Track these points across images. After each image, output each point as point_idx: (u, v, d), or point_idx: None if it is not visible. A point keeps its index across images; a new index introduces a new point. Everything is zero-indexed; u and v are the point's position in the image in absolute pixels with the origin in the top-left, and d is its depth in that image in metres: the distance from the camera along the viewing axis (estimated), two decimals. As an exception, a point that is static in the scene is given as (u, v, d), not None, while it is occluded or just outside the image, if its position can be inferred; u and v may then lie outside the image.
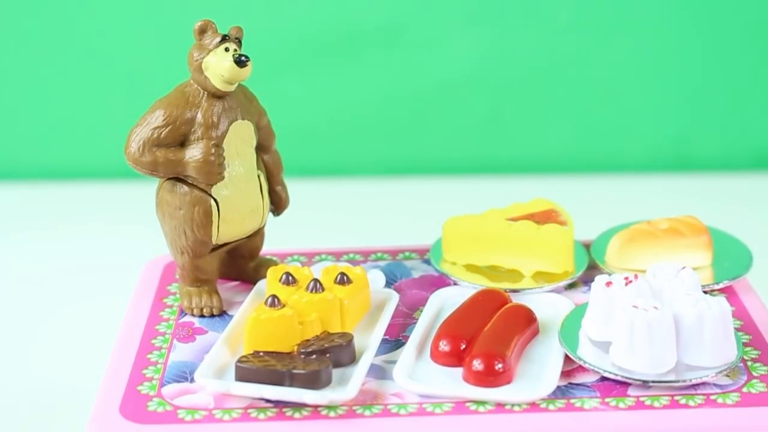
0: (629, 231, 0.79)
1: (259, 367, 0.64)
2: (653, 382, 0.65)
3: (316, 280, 0.70)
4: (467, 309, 0.71)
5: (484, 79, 1.31)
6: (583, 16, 1.28)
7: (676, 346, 0.66)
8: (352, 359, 0.67)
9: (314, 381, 0.64)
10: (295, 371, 0.64)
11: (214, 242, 0.73)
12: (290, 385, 0.64)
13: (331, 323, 0.69)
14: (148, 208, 0.74)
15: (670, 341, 0.65)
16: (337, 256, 0.83)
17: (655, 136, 1.33)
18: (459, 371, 0.67)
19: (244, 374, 0.65)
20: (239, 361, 0.65)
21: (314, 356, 0.66)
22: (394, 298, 0.74)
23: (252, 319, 0.67)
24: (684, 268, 0.70)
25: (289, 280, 0.71)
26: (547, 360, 0.68)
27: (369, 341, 0.69)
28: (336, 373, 0.66)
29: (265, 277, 0.74)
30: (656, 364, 0.65)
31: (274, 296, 0.68)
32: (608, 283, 0.68)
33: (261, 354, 0.66)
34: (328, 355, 0.66)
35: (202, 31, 0.71)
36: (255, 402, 0.65)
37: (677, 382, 0.65)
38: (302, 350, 0.66)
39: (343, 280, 0.71)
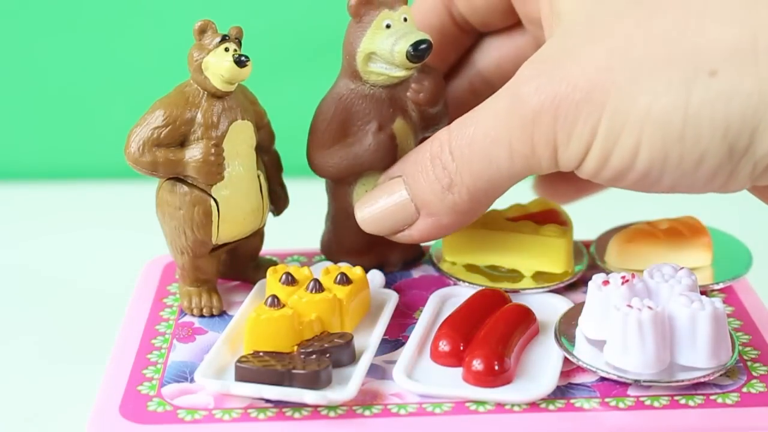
0: (629, 231, 0.79)
1: (258, 367, 0.64)
2: (645, 381, 0.65)
3: (316, 280, 0.70)
4: (467, 309, 0.71)
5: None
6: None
7: (670, 346, 0.66)
8: (352, 359, 0.68)
9: (314, 381, 0.64)
10: (294, 371, 0.64)
11: (213, 242, 0.73)
12: (290, 385, 0.64)
13: (331, 323, 0.69)
14: (148, 208, 0.74)
15: (662, 341, 0.65)
16: (337, 256, 0.82)
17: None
18: (459, 371, 0.67)
19: (244, 374, 0.65)
20: (239, 361, 0.65)
21: (314, 356, 0.66)
22: (393, 298, 0.74)
23: (252, 319, 0.67)
24: (682, 268, 0.70)
25: (289, 280, 0.71)
26: (547, 360, 0.68)
27: (369, 341, 0.69)
28: (336, 373, 0.66)
29: (264, 277, 0.74)
30: (649, 364, 0.65)
31: (273, 296, 0.68)
32: (605, 282, 0.68)
33: (261, 354, 0.66)
34: (327, 355, 0.66)
35: (202, 32, 0.71)
36: (255, 402, 0.65)
37: (669, 382, 0.65)
38: (302, 350, 0.66)
39: (342, 280, 0.71)
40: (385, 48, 0.71)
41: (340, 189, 0.75)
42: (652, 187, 0.64)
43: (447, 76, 0.82)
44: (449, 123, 0.74)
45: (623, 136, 0.62)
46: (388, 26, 0.71)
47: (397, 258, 0.78)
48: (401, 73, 0.72)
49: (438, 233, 0.72)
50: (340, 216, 0.76)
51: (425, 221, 0.71)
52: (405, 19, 0.72)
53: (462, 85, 0.83)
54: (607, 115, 0.62)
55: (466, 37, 0.82)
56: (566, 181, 0.78)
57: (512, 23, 0.80)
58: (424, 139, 0.72)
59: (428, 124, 0.75)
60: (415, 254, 0.80)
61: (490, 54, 0.82)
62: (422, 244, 0.81)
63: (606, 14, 0.64)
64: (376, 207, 0.72)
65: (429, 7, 0.80)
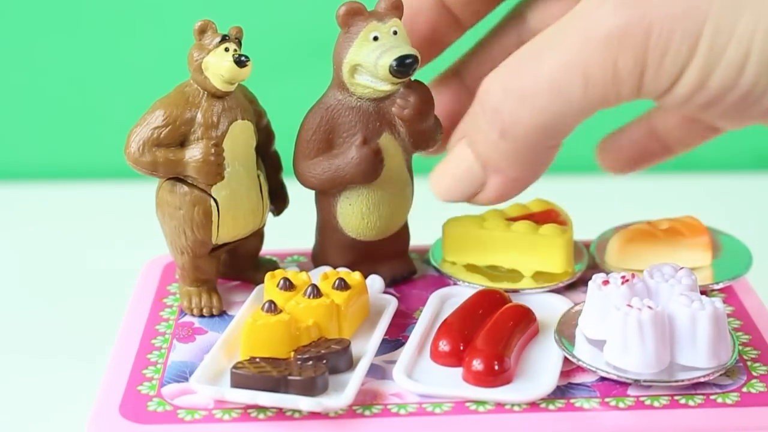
0: (629, 231, 0.79)
1: (254, 374, 0.64)
2: (645, 381, 0.65)
3: (313, 286, 0.69)
4: (467, 309, 0.71)
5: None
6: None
7: (670, 346, 0.66)
8: (349, 365, 0.67)
9: (310, 388, 0.64)
10: (290, 378, 0.64)
11: (213, 242, 0.73)
12: (286, 392, 0.64)
13: (329, 329, 0.69)
14: (148, 208, 0.74)
15: (662, 341, 0.65)
16: (337, 255, 0.82)
17: (655, 136, 1.32)
18: (459, 371, 0.67)
19: (240, 381, 0.64)
20: (234, 367, 0.65)
21: (310, 362, 0.65)
22: (392, 304, 0.73)
23: (248, 325, 0.67)
24: (682, 268, 0.70)
25: (287, 285, 0.71)
26: (547, 360, 0.68)
27: (367, 347, 0.69)
28: (332, 379, 0.66)
29: (263, 281, 0.73)
30: (649, 363, 0.65)
31: (270, 302, 0.68)
32: (605, 282, 0.68)
33: (257, 360, 0.65)
34: (324, 361, 0.66)
35: (202, 31, 0.71)
36: (255, 402, 0.65)
37: (669, 382, 0.65)
38: (298, 356, 0.66)
39: (341, 285, 0.70)
40: (370, 61, 0.70)
41: (325, 200, 0.74)
42: (746, 111, 0.59)
43: (492, 37, 0.78)
44: (442, 138, 0.73)
45: (729, 50, 0.57)
46: (375, 38, 0.70)
47: (385, 273, 0.76)
48: (386, 87, 0.70)
49: (512, 190, 0.66)
50: (327, 228, 0.75)
51: (494, 180, 0.66)
52: (395, 32, 0.70)
53: (510, 41, 0.77)
54: (710, 28, 0.56)
55: (459, 27, 0.78)
56: (631, 146, 0.75)
57: None
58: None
59: (418, 140, 0.73)
60: (404, 271, 0.78)
61: (539, 13, 0.76)
62: (415, 260, 0.79)
63: None
64: (445, 174, 0.68)
65: None
